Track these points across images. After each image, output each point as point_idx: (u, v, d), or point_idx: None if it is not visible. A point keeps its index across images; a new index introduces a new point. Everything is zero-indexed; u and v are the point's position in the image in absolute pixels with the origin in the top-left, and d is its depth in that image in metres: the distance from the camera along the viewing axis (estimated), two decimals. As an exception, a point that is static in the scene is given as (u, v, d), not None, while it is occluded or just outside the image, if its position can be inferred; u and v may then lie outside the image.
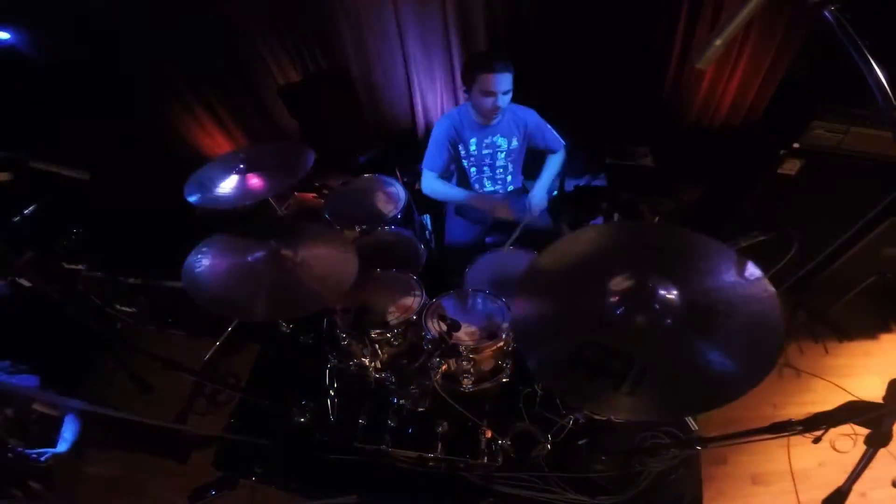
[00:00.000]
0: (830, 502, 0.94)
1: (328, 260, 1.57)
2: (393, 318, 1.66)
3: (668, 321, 1.08)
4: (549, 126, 2.17)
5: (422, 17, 2.49)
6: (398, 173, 2.41)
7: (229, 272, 1.49)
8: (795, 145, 1.83)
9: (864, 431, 0.91)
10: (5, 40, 1.98)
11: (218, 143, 2.88)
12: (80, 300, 2.28)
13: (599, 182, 2.91)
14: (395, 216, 2.07)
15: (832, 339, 2.38)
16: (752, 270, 1.14)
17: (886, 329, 2.42)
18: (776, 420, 1.09)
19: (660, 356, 1.04)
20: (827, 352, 2.34)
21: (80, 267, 2.24)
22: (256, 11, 2.44)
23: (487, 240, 2.30)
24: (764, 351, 1.03)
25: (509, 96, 1.90)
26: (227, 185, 1.79)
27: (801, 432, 1.03)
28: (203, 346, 2.37)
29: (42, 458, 1.73)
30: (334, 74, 2.74)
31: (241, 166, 1.81)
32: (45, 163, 1.46)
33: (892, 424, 0.89)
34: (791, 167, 1.90)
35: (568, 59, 2.63)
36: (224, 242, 1.58)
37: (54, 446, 1.77)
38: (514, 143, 2.14)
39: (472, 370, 1.61)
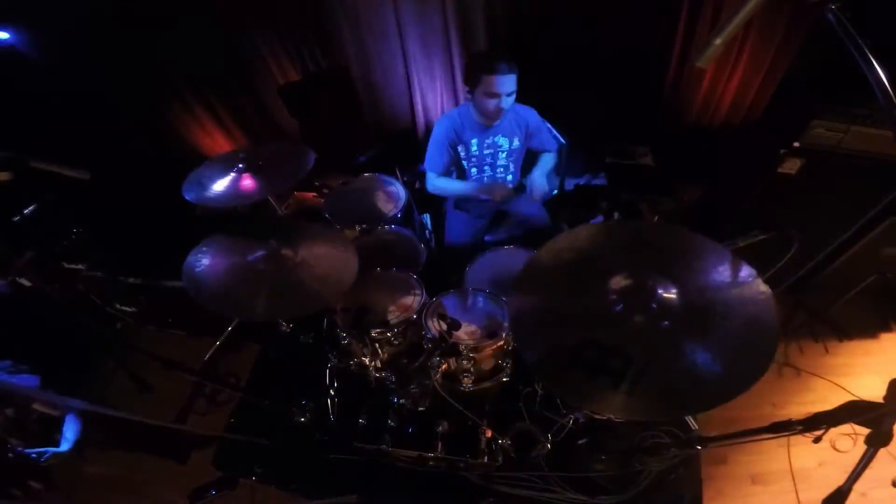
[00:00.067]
0: (830, 502, 0.94)
1: (328, 260, 1.57)
2: (393, 317, 1.66)
3: (666, 322, 1.08)
4: (546, 126, 2.17)
5: (422, 17, 2.49)
6: (398, 173, 2.41)
7: (229, 272, 1.49)
8: (795, 145, 1.83)
9: (865, 431, 0.91)
10: (5, 40, 1.98)
11: (218, 143, 2.88)
12: (80, 300, 2.28)
13: (599, 181, 2.91)
14: (395, 215, 2.07)
15: (832, 338, 2.38)
16: (747, 272, 1.14)
17: (886, 328, 2.42)
18: (776, 419, 1.09)
19: (657, 356, 1.04)
20: (827, 351, 2.34)
21: (80, 267, 2.24)
22: (256, 11, 2.43)
23: (487, 238, 2.30)
24: (760, 352, 1.04)
25: (513, 97, 1.90)
26: (226, 185, 1.79)
27: (802, 432, 1.03)
28: (203, 346, 2.37)
29: (42, 458, 1.72)
30: (334, 74, 2.74)
31: (241, 166, 1.81)
32: (45, 163, 1.46)
33: (893, 424, 0.89)
34: (791, 166, 1.90)
35: (568, 58, 2.63)
36: (224, 242, 1.58)
37: (55, 446, 1.76)
38: (516, 143, 2.14)
39: (472, 369, 1.62)
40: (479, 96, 1.89)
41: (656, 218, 2.61)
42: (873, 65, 0.67)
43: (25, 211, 2.09)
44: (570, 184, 2.81)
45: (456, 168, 2.22)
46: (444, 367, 1.63)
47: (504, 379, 1.70)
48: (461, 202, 2.31)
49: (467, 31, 2.56)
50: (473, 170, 2.19)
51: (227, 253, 1.54)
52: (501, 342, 1.58)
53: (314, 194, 2.66)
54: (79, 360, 2.39)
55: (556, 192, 2.47)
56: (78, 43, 2.21)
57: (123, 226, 2.51)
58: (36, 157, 1.46)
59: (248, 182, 1.79)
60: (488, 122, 2.04)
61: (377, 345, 1.64)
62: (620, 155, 2.85)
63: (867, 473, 0.90)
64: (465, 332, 1.59)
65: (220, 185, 1.78)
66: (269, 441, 1.78)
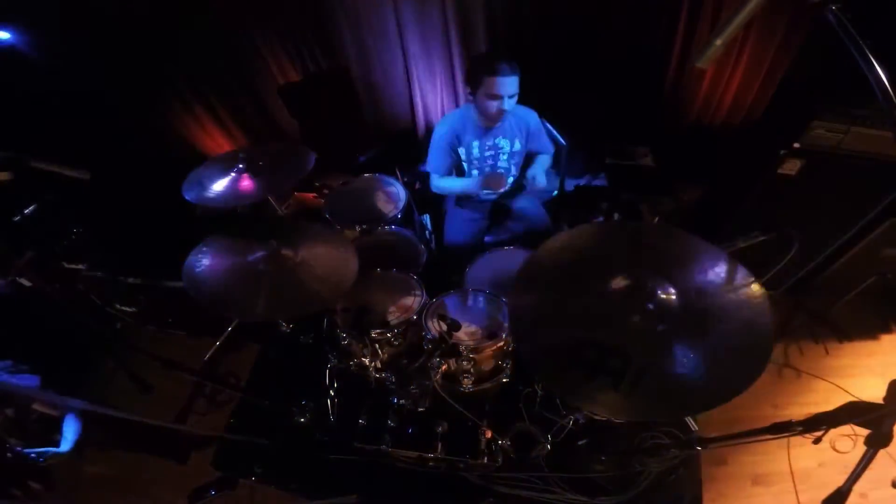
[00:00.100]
0: (830, 503, 0.94)
1: (328, 260, 1.57)
2: (393, 317, 1.66)
3: (661, 325, 1.08)
4: (545, 129, 2.17)
5: (422, 17, 2.49)
6: (398, 173, 2.41)
7: (229, 272, 1.49)
8: (796, 145, 1.83)
9: (865, 432, 0.91)
10: (5, 40, 1.98)
11: (218, 143, 2.88)
12: (80, 300, 2.28)
13: (599, 182, 2.91)
14: (396, 216, 2.07)
15: (832, 339, 2.38)
16: (742, 275, 1.14)
17: (887, 329, 2.42)
18: (777, 420, 1.09)
19: (653, 357, 1.04)
20: (827, 352, 2.34)
21: (80, 267, 2.23)
22: (256, 11, 2.44)
23: (487, 239, 2.30)
24: (755, 355, 1.05)
25: (515, 99, 1.89)
26: (225, 185, 1.79)
27: (802, 433, 1.03)
28: (203, 346, 2.37)
29: (42, 458, 1.72)
30: (334, 74, 2.74)
31: (241, 166, 1.81)
32: (45, 163, 1.46)
33: (893, 425, 0.89)
34: (791, 167, 1.90)
35: (568, 58, 2.63)
36: (224, 242, 1.58)
37: (54, 446, 1.76)
38: (517, 145, 2.13)
39: (472, 370, 1.61)
40: (480, 98, 1.88)
41: (656, 218, 2.61)
42: (873, 65, 0.67)
43: (25, 211, 2.09)
44: (570, 184, 2.81)
45: (456, 171, 2.22)
46: (443, 367, 1.63)
47: (504, 380, 1.70)
48: (462, 199, 2.31)
49: (467, 31, 2.56)
50: (475, 172, 2.19)
51: (227, 253, 1.54)
52: (501, 343, 1.58)
53: (314, 194, 2.67)
54: (79, 360, 2.39)
55: (556, 192, 2.47)
56: (78, 43, 2.21)
57: (123, 226, 2.51)
58: (36, 157, 1.46)
59: (247, 182, 1.79)
60: (489, 124, 2.03)
61: (377, 345, 1.64)
62: (620, 155, 2.85)
63: (867, 474, 0.90)
64: (466, 333, 1.59)
65: (220, 185, 1.78)
66: (269, 441, 1.78)
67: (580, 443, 1.71)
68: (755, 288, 1.12)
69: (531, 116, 2.12)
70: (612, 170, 2.85)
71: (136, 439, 2.13)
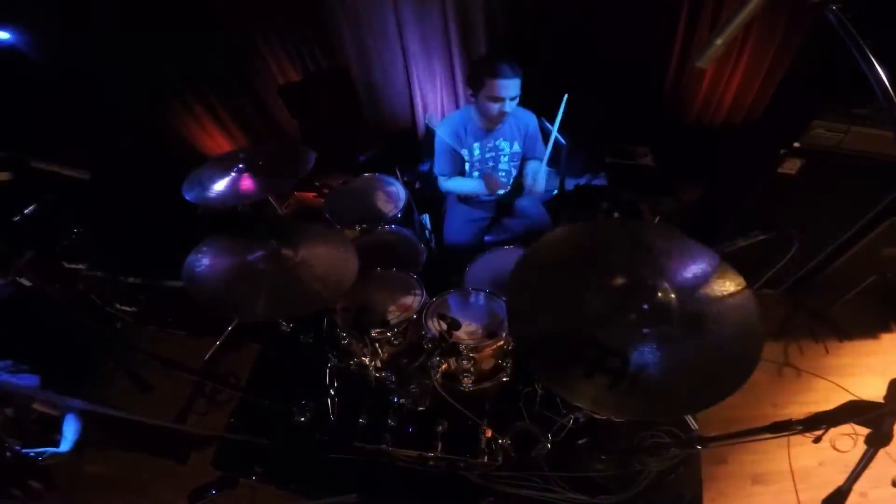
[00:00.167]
0: (831, 502, 0.94)
1: (328, 259, 1.57)
2: (393, 317, 1.66)
3: (660, 324, 1.09)
4: (542, 133, 2.17)
5: (422, 17, 2.49)
6: (398, 173, 2.41)
7: (229, 272, 1.49)
8: (796, 145, 1.83)
9: (865, 431, 0.91)
10: (5, 40, 1.98)
11: (218, 143, 2.88)
12: (80, 300, 2.28)
13: (600, 181, 2.91)
14: (396, 215, 2.07)
15: (832, 338, 2.38)
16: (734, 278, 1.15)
17: (887, 329, 2.42)
18: (777, 419, 1.09)
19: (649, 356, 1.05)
20: (827, 351, 2.34)
21: (80, 266, 2.23)
22: (256, 11, 2.43)
23: (487, 238, 2.30)
24: (744, 358, 1.05)
25: (516, 101, 1.90)
26: (226, 184, 1.79)
27: (802, 432, 1.03)
28: (203, 346, 2.37)
29: (41, 458, 1.72)
30: (334, 74, 2.74)
31: (241, 166, 1.81)
32: (45, 163, 1.46)
33: (893, 424, 0.89)
34: (791, 167, 1.90)
35: (568, 58, 2.63)
36: (224, 242, 1.58)
37: (54, 446, 1.76)
38: (516, 146, 2.14)
39: (472, 369, 1.61)
40: (482, 100, 1.88)
41: (657, 218, 2.61)
42: (874, 65, 0.67)
43: (25, 211, 2.09)
44: (570, 184, 2.81)
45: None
46: (444, 366, 1.63)
47: (504, 379, 1.70)
48: (465, 197, 2.31)
49: (467, 31, 2.56)
50: (475, 174, 2.20)
51: (227, 253, 1.54)
52: (501, 342, 1.58)
53: (314, 194, 2.67)
54: (79, 360, 2.39)
55: (556, 192, 2.47)
56: (78, 43, 2.21)
57: (123, 226, 2.51)
58: (36, 157, 1.46)
59: (247, 182, 1.79)
60: (490, 126, 2.04)
61: (377, 345, 1.64)
62: (620, 155, 2.85)
63: (867, 473, 0.90)
64: (466, 332, 1.59)
65: (221, 185, 1.78)
66: (269, 441, 1.78)
67: (580, 442, 1.71)
68: (738, 286, 1.13)
69: (531, 119, 2.12)
70: (612, 169, 2.85)
71: (136, 439, 2.13)
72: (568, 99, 1.83)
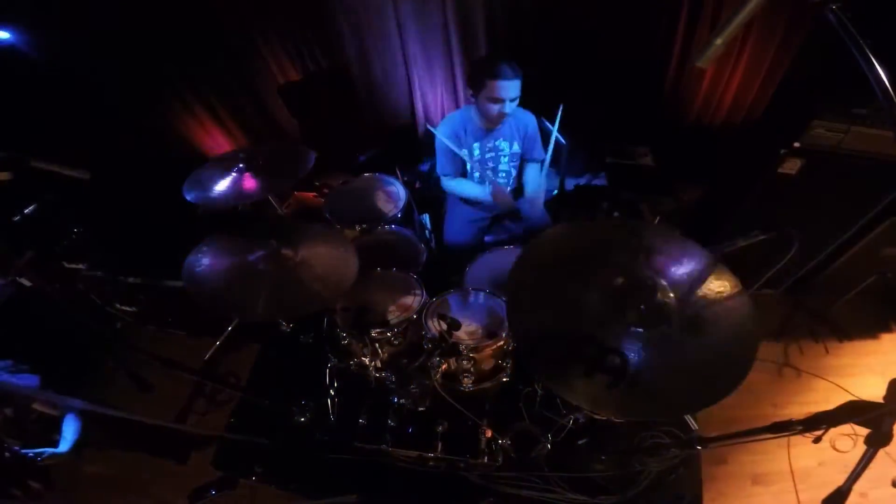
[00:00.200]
0: (830, 502, 0.94)
1: (328, 259, 1.57)
2: (393, 317, 1.66)
3: (658, 324, 1.09)
4: (541, 134, 2.18)
5: (422, 17, 2.49)
6: (398, 172, 2.41)
7: (229, 272, 1.49)
8: (796, 145, 1.83)
9: (865, 431, 0.91)
10: (5, 40, 1.98)
11: (218, 143, 2.88)
12: (80, 300, 2.28)
13: (600, 181, 2.92)
14: (396, 215, 2.07)
15: (832, 338, 2.38)
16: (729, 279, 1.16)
17: (886, 329, 2.42)
18: (777, 420, 1.09)
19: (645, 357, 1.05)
20: (827, 352, 2.34)
21: (80, 266, 2.24)
22: (256, 11, 2.44)
23: (487, 238, 2.30)
24: (740, 359, 1.06)
25: (516, 102, 1.90)
26: (225, 185, 1.79)
27: (802, 432, 1.03)
28: (203, 346, 2.37)
29: (40, 459, 1.72)
30: (334, 74, 2.75)
31: (241, 166, 1.81)
32: (45, 163, 1.46)
33: (893, 424, 0.89)
34: (791, 167, 1.90)
35: (568, 58, 2.63)
36: (224, 242, 1.58)
37: (54, 446, 1.76)
38: (515, 146, 2.14)
39: (472, 369, 1.61)
40: (482, 101, 1.88)
41: (657, 218, 2.61)
42: (874, 65, 0.67)
43: (25, 211, 2.09)
44: (570, 184, 2.81)
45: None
46: (444, 367, 1.63)
47: (504, 379, 1.69)
48: (465, 198, 2.31)
49: (467, 31, 2.56)
50: (476, 174, 2.20)
51: (227, 253, 1.53)
52: (501, 342, 1.58)
53: (314, 194, 2.67)
54: (79, 360, 2.38)
55: (556, 192, 2.48)
56: (78, 43, 2.21)
57: (123, 226, 2.51)
58: (36, 157, 1.46)
59: (250, 182, 1.79)
60: (490, 126, 2.04)
61: (377, 345, 1.64)
62: (621, 155, 2.86)
63: (867, 473, 0.90)
64: (466, 332, 1.59)
65: (223, 185, 1.78)
66: (269, 441, 1.78)
67: (580, 442, 1.71)
68: (733, 287, 1.13)
69: (530, 120, 2.12)
70: (612, 169, 2.85)
71: (136, 439, 2.13)
72: (566, 104, 1.84)
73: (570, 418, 1.66)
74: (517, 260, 1.25)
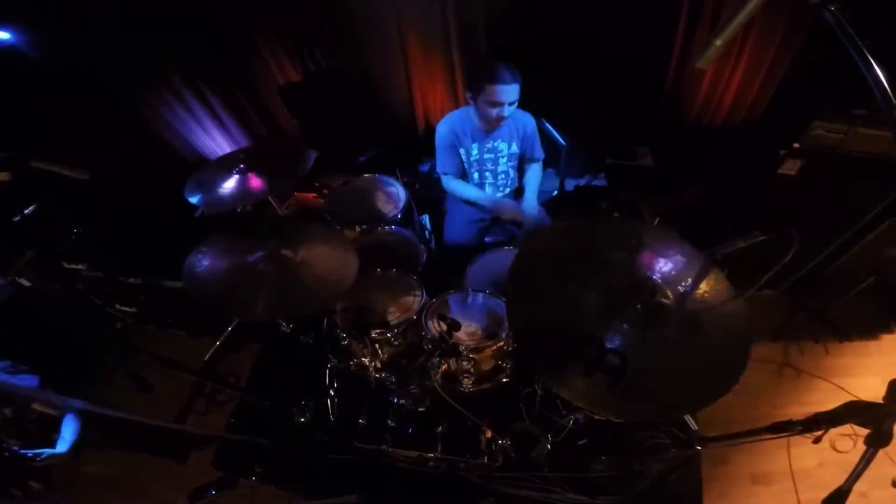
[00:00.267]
0: (831, 502, 0.94)
1: (328, 260, 1.57)
2: (393, 317, 1.66)
3: (656, 324, 1.09)
4: (539, 134, 2.18)
5: (422, 17, 2.49)
6: (398, 173, 2.41)
7: (229, 272, 1.49)
8: (795, 145, 1.83)
9: (865, 431, 0.91)
10: (5, 40, 1.98)
11: (218, 143, 2.88)
12: (80, 300, 2.28)
13: (599, 182, 2.91)
14: (396, 216, 2.07)
15: (832, 339, 2.38)
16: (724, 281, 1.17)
17: (886, 329, 2.41)
18: (777, 420, 1.09)
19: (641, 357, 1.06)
20: (827, 352, 2.34)
21: (80, 267, 2.24)
22: (256, 11, 2.43)
23: (487, 239, 2.30)
24: (734, 360, 1.07)
25: (515, 106, 1.90)
26: (228, 186, 1.79)
27: (802, 432, 1.03)
28: (203, 346, 2.37)
29: (38, 459, 1.72)
30: (334, 74, 2.74)
31: (242, 166, 1.81)
32: (45, 163, 1.46)
33: (893, 424, 0.89)
34: (791, 167, 1.90)
35: (568, 58, 2.63)
36: (224, 242, 1.58)
37: (53, 446, 1.76)
38: (514, 147, 2.14)
39: (472, 370, 1.61)
40: (481, 104, 1.89)
41: (657, 219, 2.60)
42: (873, 65, 0.67)
43: (25, 211, 2.09)
44: (570, 184, 2.81)
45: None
46: (443, 367, 1.63)
47: (504, 379, 1.70)
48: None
49: (467, 31, 2.56)
50: (475, 174, 2.20)
51: (227, 253, 1.54)
52: (501, 343, 1.58)
53: (314, 194, 2.67)
54: (79, 360, 2.38)
55: (556, 192, 2.48)
56: (78, 43, 2.21)
57: (123, 226, 2.51)
58: (36, 157, 1.46)
59: (256, 181, 1.80)
60: (489, 128, 2.04)
61: (377, 345, 1.64)
62: (621, 155, 2.85)
63: (867, 473, 0.90)
64: (466, 333, 1.59)
65: (228, 186, 1.79)
66: (269, 441, 1.78)
67: (580, 442, 1.71)
68: (729, 289, 1.13)
69: (529, 121, 2.12)
70: (612, 170, 2.85)
71: (136, 439, 2.13)
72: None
73: (570, 418, 1.66)
74: (515, 259, 1.25)
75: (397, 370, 1.67)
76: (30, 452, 1.71)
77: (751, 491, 1.94)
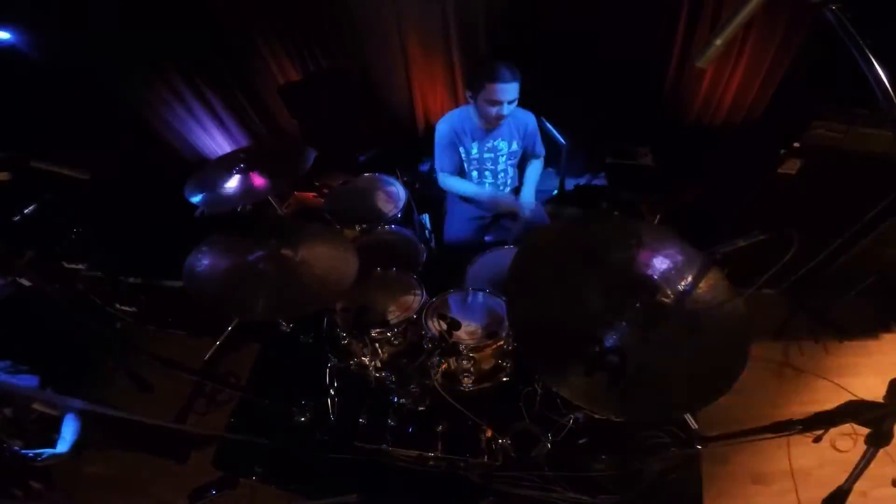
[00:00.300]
0: (831, 502, 0.94)
1: (328, 259, 1.57)
2: (393, 317, 1.66)
3: (655, 324, 1.10)
4: (541, 132, 2.19)
5: (422, 17, 2.49)
6: (398, 173, 2.41)
7: (229, 272, 1.49)
8: (795, 145, 1.83)
9: (865, 431, 0.91)
10: (5, 40, 1.98)
11: (218, 142, 2.88)
12: (80, 300, 2.28)
13: (600, 181, 2.91)
14: (395, 215, 2.07)
15: (832, 338, 2.38)
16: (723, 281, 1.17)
17: (886, 329, 2.41)
18: (777, 419, 1.09)
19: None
20: (827, 352, 2.34)
21: (80, 266, 2.24)
22: (256, 11, 2.43)
23: (487, 238, 2.30)
24: (733, 359, 1.07)
25: (515, 104, 1.90)
26: (231, 185, 1.79)
27: (802, 432, 1.03)
28: (203, 346, 2.37)
29: (39, 459, 1.72)
30: (334, 74, 2.74)
31: (242, 166, 1.81)
32: (45, 163, 1.46)
33: (893, 424, 0.89)
34: (791, 167, 1.90)
35: (568, 58, 2.63)
36: (224, 242, 1.58)
37: (53, 446, 1.76)
38: (515, 145, 2.14)
39: (472, 369, 1.62)
40: (481, 103, 1.89)
41: (657, 219, 2.61)
42: (873, 65, 0.67)
43: (25, 211, 2.09)
44: (570, 184, 2.81)
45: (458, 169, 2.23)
46: (443, 366, 1.63)
47: (504, 379, 1.70)
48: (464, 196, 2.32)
49: (467, 31, 2.56)
50: (474, 173, 2.20)
51: (227, 253, 1.54)
52: (501, 342, 1.58)
53: (314, 194, 2.67)
54: (79, 360, 2.39)
55: (556, 192, 2.48)
56: (78, 43, 2.21)
57: (123, 226, 2.51)
58: (36, 157, 1.46)
59: (259, 179, 1.80)
60: (489, 126, 2.04)
61: (377, 345, 1.64)
62: (621, 155, 2.85)
63: (867, 473, 0.90)
64: (466, 332, 1.59)
65: (231, 185, 1.79)
66: (269, 441, 1.78)
67: (580, 442, 1.71)
68: (727, 289, 1.13)
69: (529, 119, 2.13)
70: (612, 169, 2.85)
71: (136, 439, 2.13)
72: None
73: (571, 418, 1.66)
74: (515, 258, 1.25)
75: (397, 369, 1.67)
76: (30, 452, 1.71)
77: (751, 491, 1.94)
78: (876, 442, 0.89)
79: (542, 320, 1.14)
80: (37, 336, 2.14)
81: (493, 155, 2.14)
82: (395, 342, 1.67)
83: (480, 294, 1.72)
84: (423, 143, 2.83)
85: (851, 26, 0.67)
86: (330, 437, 1.79)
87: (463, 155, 2.12)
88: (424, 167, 2.79)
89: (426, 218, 2.44)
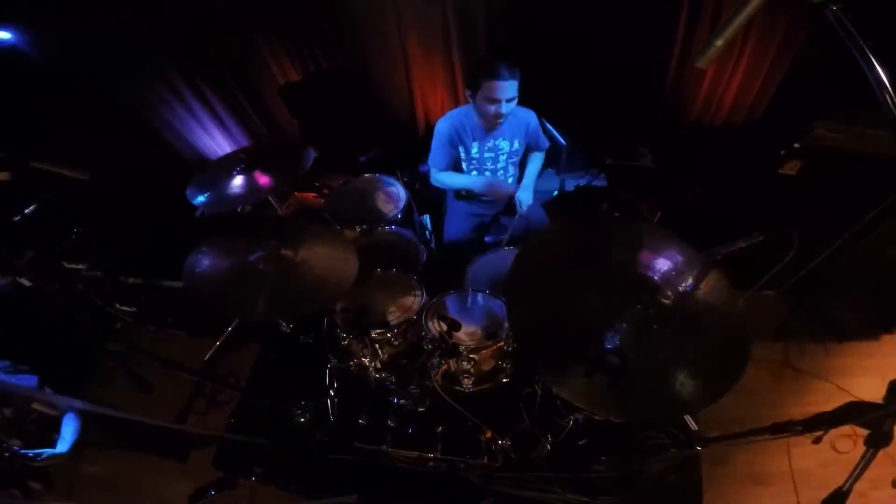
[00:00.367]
0: (831, 503, 0.94)
1: (328, 260, 1.57)
2: (393, 317, 1.66)
3: (655, 324, 1.10)
4: (542, 129, 2.19)
5: (422, 17, 2.49)
6: (398, 173, 2.41)
7: (229, 272, 1.49)
8: (796, 145, 1.83)
9: (865, 432, 0.91)
10: (6, 40, 1.98)
11: (218, 142, 2.88)
12: (80, 300, 2.28)
13: (600, 182, 2.91)
14: (396, 216, 2.07)
15: (832, 339, 2.38)
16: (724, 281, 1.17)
17: (886, 329, 2.41)
18: (776, 420, 1.09)
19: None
20: (827, 352, 2.34)
21: (80, 266, 2.24)
22: (257, 11, 2.43)
23: (486, 239, 2.30)
24: (730, 365, 1.07)
25: (514, 103, 1.90)
26: (234, 185, 1.79)
27: (802, 433, 1.03)
28: (203, 346, 2.36)
29: (38, 459, 1.72)
30: (334, 74, 2.74)
31: (242, 166, 1.81)
32: (45, 163, 1.46)
33: (893, 425, 0.89)
34: (792, 167, 1.90)
35: (568, 58, 2.62)
36: (224, 242, 1.58)
37: (53, 446, 1.76)
38: (516, 144, 2.14)
39: (472, 370, 1.61)
40: (480, 101, 1.89)
41: (657, 218, 2.60)
42: (874, 65, 0.67)
43: (25, 211, 2.09)
44: (570, 184, 2.81)
45: (454, 168, 2.22)
46: (443, 367, 1.63)
47: (504, 380, 1.69)
48: (464, 195, 2.31)
49: (467, 31, 2.56)
50: (474, 172, 2.20)
51: (228, 253, 1.54)
52: (501, 343, 1.58)
53: (314, 194, 2.67)
54: (79, 360, 2.39)
55: (556, 192, 2.48)
56: (78, 43, 2.21)
57: (123, 226, 2.51)
58: (36, 157, 1.46)
59: (263, 178, 1.80)
60: (488, 126, 2.04)
61: (377, 345, 1.64)
62: (621, 155, 2.85)
63: (867, 474, 0.90)
64: (466, 333, 1.59)
65: (235, 185, 1.79)
66: (269, 441, 1.78)
67: (580, 443, 1.71)
68: (728, 290, 1.14)
69: (531, 117, 2.12)
70: (612, 170, 2.85)
71: (136, 439, 2.13)
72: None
73: (570, 419, 1.66)
74: (515, 259, 1.25)
75: (397, 370, 1.67)
76: (30, 452, 1.70)
77: (751, 491, 1.94)
78: (876, 443, 0.89)
79: (542, 321, 1.14)
80: (36, 336, 2.14)
81: (493, 154, 2.14)
82: (395, 343, 1.67)
83: (480, 295, 1.72)
84: (424, 144, 2.81)
85: (852, 26, 0.67)
86: (330, 438, 1.78)
87: (462, 154, 2.12)
88: (425, 167, 2.79)
89: (427, 219, 2.44)
